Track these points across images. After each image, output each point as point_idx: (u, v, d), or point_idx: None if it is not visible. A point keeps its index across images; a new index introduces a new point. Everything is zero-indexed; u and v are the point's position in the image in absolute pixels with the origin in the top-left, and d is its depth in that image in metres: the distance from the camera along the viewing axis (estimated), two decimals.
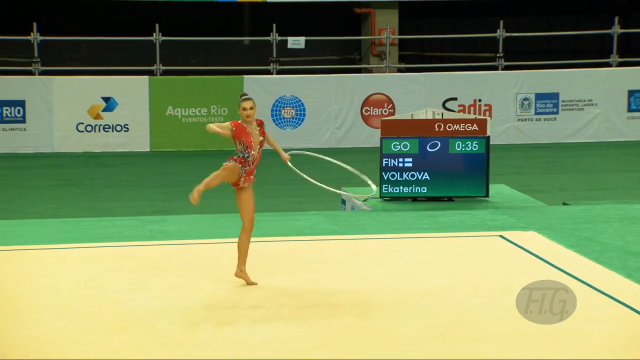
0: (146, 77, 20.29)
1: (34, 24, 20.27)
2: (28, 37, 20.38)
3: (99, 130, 19.98)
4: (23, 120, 19.69)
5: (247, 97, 8.47)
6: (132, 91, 20.09)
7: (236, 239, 8.53)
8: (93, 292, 8.30)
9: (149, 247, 10.05)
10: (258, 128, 8.49)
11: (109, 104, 20.02)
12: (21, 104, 19.67)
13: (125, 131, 20.06)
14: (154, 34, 20.76)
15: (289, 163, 9.22)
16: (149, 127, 20.12)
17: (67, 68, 21.17)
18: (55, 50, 21.62)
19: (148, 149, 20.04)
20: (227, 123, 8.47)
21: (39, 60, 20.38)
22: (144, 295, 8.20)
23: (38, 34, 20.29)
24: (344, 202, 13.34)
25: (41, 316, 7.65)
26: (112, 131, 19.97)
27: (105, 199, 15.27)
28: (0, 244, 10.12)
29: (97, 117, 19.99)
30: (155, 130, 20.12)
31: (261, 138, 8.50)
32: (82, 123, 19.91)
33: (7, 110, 19.61)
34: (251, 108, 8.42)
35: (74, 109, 19.79)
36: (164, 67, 20.86)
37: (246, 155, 8.43)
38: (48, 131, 19.73)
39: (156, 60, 20.81)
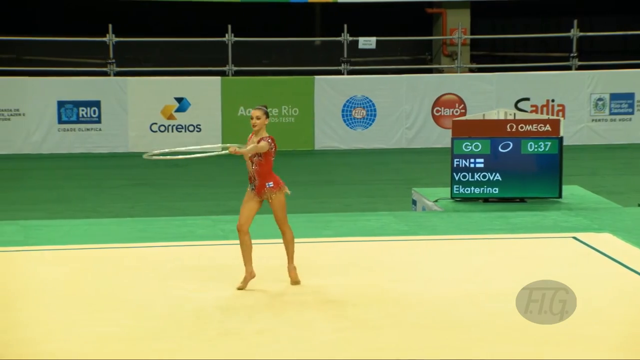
0: (218, 78, 20.47)
1: (110, 26, 20.60)
2: (103, 39, 20.71)
3: (172, 131, 20.22)
4: (98, 120, 20.02)
5: (258, 106, 8.27)
6: (205, 92, 20.29)
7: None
8: (166, 290, 8.41)
9: (220, 246, 10.15)
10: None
11: (182, 104, 20.24)
12: (97, 104, 20.00)
13: (197, 131, 20.27)
14: (226, 35, 20.93)
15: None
16: (220, 128, 20.30)
17: (141, 69, 21.46)
18: (130, 52, 21.93)
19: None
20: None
21: (114, 61, 20.70)
22: (216, 295, 8.28)
23: (113, 35, 20.61)
24: (414, 202, 13.32)
25: (115, 314, 7.77)
26: (185, 131, 20.19)
27: (178, 199, 15.45)
28: (77, 242, 10.31)
29: (170, 117, 20.23)
30: (227, 130, 20.29)
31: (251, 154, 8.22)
32: (156, 123, 20.16)
33: (83, 110, 19.96)
34: (257, 117, 8.18)
35: (147, 109, 20.05)
36: (236, 68, 21.03)
37: (249, 171, 8.35)
38: (123, 131, 20.03)
39: (228, 61, 20.99)
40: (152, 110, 20.05)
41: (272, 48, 22.92)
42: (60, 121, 19.82)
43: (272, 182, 8.29)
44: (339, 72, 21.32)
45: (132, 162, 19.06)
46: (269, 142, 8.23)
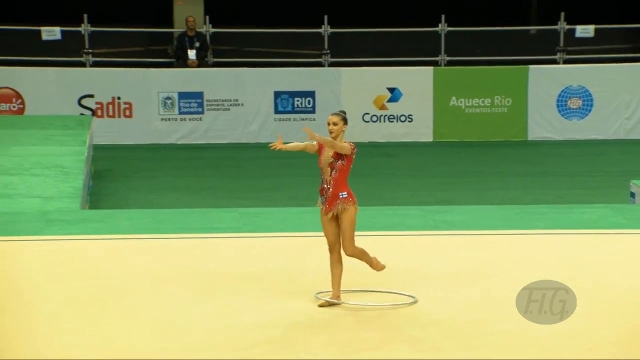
0: (430, 68, 20.45)
1: (325, 17, 20.97)
2: (319, 30, 21.11)
3: (384, 121, 20.37)
4: (313, 110, 20.43)
5: (336, 111, 7.75)
6: (417, 82, 20.31)
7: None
8: (372, 280, 8.48)
9: (430, 237, 10.16)
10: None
11: (394, 94, 20.35)
12: (311, 94, 20.42)
13: (409, 121, 20.33)
14: (439, 25, 20.88)
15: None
16: (432, 118, 20.28)
17: (355, 59, 21.73)
18: (344, 42, 22.24)
19: (431, 139, 20.20)
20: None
21: (328, 52, 21.07)
22: (424, 287, 8.28)
23: (328, 26, 20.97)
24: (633, 195, 12.84)
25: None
26: (397, 121, 20.30)
27: (389, 189, 15.55)
28: (291, 230, 10.57)
29: (382, 107, 20.38)
30: (439, 120, 20.25)
31: (332, 159, 7.60)
32: (368, 113, 20.37)
33: (298, 100, 20.43)
34: (334, 123, 7.58)
35: (360, 99, 20.27)
36: (449, 58, 20.93)
37: (321, 181, 7.69)
38: None
39: (441, 51, 20.92)
40: (365, 100, 20.26)
41: (486, 37, 22.66)
42: (276, 111, 20.36)
43: (345, 193, 7.58)
44: (554, 62, 20.84)
45: None
46: (351, 145, 7.66)
